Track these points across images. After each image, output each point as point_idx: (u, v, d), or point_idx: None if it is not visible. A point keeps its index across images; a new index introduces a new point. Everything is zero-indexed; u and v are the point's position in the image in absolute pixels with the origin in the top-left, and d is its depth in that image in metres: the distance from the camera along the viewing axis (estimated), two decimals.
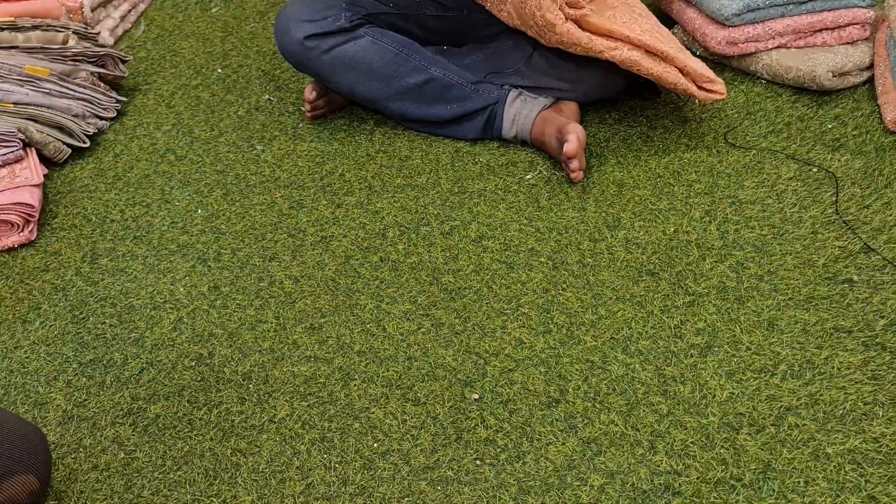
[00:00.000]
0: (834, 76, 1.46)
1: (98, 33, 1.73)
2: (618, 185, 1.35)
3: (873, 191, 1.27)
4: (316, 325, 1.17)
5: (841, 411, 0.97)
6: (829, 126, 1.41)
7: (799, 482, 0.91)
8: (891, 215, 1.22)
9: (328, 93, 1.55)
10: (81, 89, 1.59)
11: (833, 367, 1.02)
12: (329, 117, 1.59)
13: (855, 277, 1.14)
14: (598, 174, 1.38)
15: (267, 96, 1.68)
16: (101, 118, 1.62)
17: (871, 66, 1.50)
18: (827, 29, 1.51)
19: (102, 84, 1.66)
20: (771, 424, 0.97)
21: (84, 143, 1.55)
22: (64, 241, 1.36)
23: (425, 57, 1.47)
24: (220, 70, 1.79)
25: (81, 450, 1.04)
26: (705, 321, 1.10)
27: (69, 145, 1.54)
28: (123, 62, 1.71)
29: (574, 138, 1.31)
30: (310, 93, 1.53)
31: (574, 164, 1.33)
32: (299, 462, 0.99)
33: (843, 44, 1.51)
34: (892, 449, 0.92)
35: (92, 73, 1.63)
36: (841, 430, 0.95)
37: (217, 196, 1.43)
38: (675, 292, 1.15)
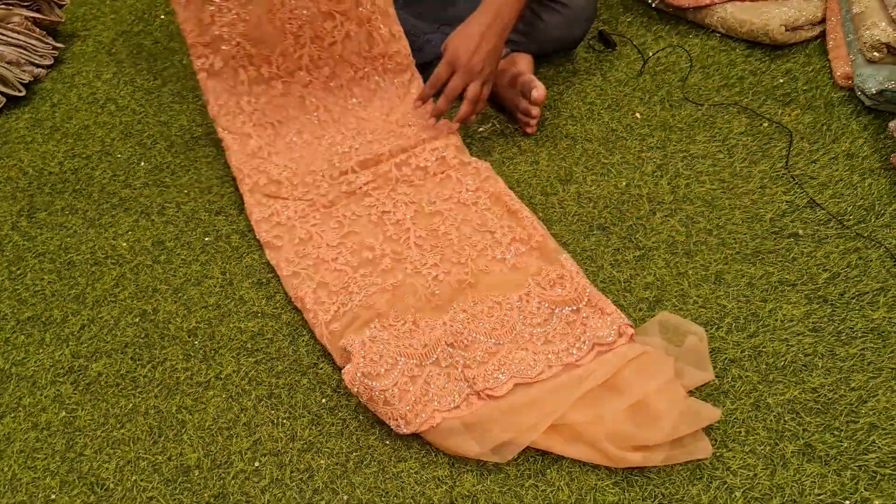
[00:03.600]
0: (786, 30, 1.46)
1: None
2: (571, 138, 1.34)
3: (821, 146, 1.28)
4: (263, 281, 1.15)
5: (782, 363, 0.99)
6: (781, 81, 1.41)
7: (740, 432, 0.93)
8: (837, 170, 1.23)
9: None
10: (15, 35, 1.51)
11: (776, 320, 1.04)
12: None
13: (800, 232, 1.15)
14: (551, 127, 1.37)
15: None
16: (38, 66, 1.55)
17: (822, 21, 1.50)
18: None
19: (38, 29, 1.58)
20: (715, 376, 0.99)
21: (19, 91, 1.49)
22: None
23: None
24: (163, 16, 1.72)
25: (21, 409, 1.01)
26: (654, 275, 1.11)
27: (3, 94, 1.47)
28: (60, 6, 1.63)
29: (541, 85, 1.29)
30: None
31: (535, 112, 1.31)
32: (246, 418, 0.98)
33: None
34: (829, 399, 0.95)
35: (26, 17, 1.55)
36: (782, 380, 0.97)
37: (161, 148, 1.39)
38: (625, 246, 1.16)
